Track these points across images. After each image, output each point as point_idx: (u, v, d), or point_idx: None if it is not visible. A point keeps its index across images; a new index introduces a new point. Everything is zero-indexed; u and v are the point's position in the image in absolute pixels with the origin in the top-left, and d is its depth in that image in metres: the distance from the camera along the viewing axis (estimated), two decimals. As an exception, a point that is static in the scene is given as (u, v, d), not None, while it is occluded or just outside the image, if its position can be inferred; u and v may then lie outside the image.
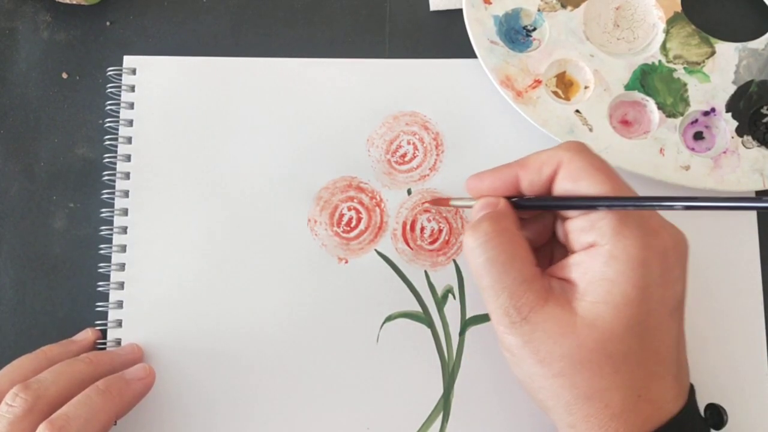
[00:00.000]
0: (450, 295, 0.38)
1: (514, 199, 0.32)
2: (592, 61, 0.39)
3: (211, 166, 0.39)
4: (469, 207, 0.33)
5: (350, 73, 0.40)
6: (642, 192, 0.38)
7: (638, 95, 0.39)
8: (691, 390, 0.31)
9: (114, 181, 0.39)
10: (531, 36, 0.40)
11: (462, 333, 0.38)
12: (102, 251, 0.38)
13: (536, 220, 0.33)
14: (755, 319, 0.38)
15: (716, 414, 0.32)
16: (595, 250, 0.29)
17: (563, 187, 0.30)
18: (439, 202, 0.38)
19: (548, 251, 0.34)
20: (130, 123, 0.40)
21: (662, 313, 0.29)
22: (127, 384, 0.34)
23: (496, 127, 0.40)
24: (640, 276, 0.28)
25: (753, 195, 0.38)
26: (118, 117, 0.40)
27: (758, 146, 0.38)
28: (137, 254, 0.38)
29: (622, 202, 0.28)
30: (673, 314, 0.29)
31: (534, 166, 0.31)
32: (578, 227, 0.30)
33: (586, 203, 0.29)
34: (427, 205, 0.39)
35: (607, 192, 0.29)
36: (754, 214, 0.38)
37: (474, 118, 0.40)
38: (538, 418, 0.36)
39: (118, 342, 0.37)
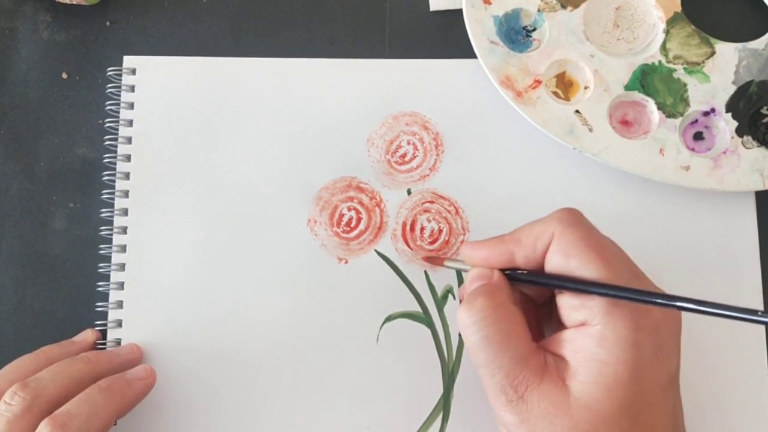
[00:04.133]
0: (450, 295, 0.38)
1: (508, 272, 0.31)
2: (592, 61, 0.39)
3: (211, 166, 0.39)
4: (465, 270, 0.33)
5: (350, 73, 0.40)
6: (642, 194, 0.39)
7: (638, 95, 0.39)
8: None
9: (114, 181, 0.39)
10: (531, 36, 0.40)
11: (462, 333, 0.38)
12: (102, 251, 0.38)
13: None
14: (755, 319, 0.38)
15: None
16: (586, 329, 0.29)
17: (554, 261, 0.30)
18: (433, 260, 0.38)
19: (547, 309, 0.33)
20: (130, 123, 0.40)
21: (655, 391, 0.29)
22: (128, 384, 0.34)
23: (496, 127, 0.40)
24: (632, 357, 0.28)
25: (752, 196, 0.38)
26: (118, 117, 0.40)
27: (758, 146, 0.38)
28: (137, 254, 0.38)
29: (616, 292, 0.28)
30: (666, 390, 0.29)
31: (528, 241, 0.30)
32: (569, 304, 0.29)
33: (580, 287, 0.29)
34: (427, 205, 0.39)
35: (596, 271, 0.28)
36: (753, 213, 0.38)
37: (474, 118, 0.40)
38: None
39: (118, 342, 0.37)
